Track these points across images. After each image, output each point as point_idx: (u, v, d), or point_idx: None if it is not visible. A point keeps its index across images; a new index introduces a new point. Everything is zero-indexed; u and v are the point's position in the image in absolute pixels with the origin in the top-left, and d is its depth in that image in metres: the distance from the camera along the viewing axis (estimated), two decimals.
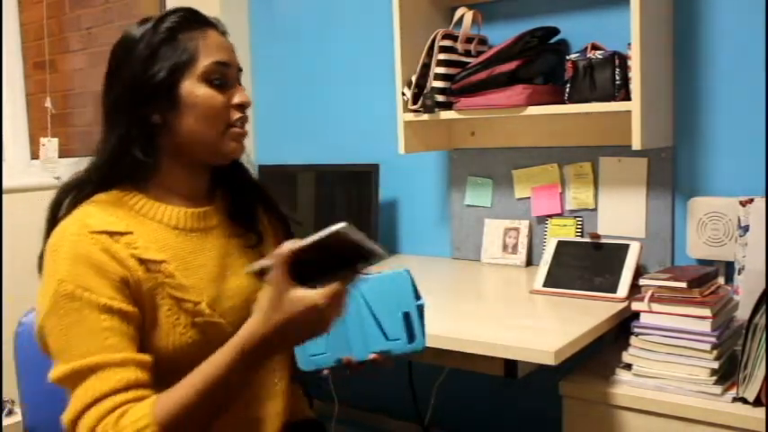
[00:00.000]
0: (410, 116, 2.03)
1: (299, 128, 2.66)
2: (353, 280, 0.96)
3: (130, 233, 1.11)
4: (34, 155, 2.33)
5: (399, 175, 2.39)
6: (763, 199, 1.68)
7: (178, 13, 1.18)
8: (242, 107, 1.18)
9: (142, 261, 1.09)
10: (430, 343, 1.44)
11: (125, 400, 0.98)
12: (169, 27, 1.15)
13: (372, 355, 1.10)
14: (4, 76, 2.24)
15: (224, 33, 1.22)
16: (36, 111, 2.42)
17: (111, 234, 1.09)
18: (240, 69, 1.22)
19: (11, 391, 1.99)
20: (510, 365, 1.44)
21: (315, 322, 0.95)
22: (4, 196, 2.13)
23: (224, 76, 1.17)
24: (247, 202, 1.29)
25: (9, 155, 2.26)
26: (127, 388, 1.00)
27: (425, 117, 1.99)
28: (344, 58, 2.51)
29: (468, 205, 2.26)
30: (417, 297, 1.11)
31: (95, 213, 1.11)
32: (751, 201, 1.69)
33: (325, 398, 2.43)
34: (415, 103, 2.00)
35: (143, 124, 1.14)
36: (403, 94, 2.03)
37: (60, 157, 2.43)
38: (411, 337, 1.09)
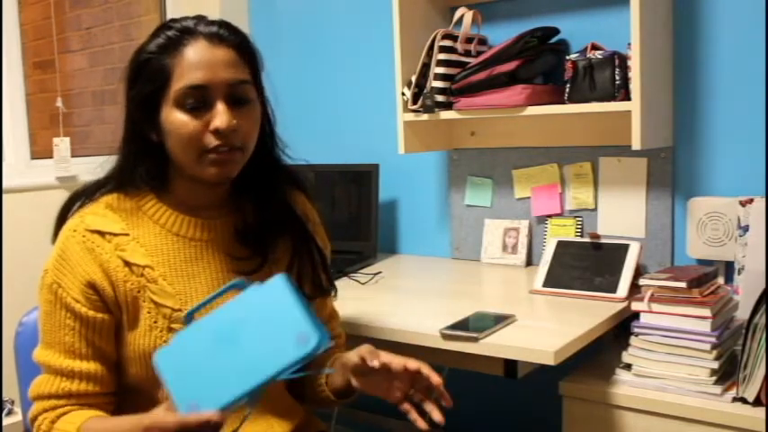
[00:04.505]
0: (410, 116, 2.03)
1: (298, 128, 2.66)
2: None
3: (125, 235, 1.15)
4: (34, 155, 2.33)
5: (399, 175, 2.39)
6: (763, 199, 1.68)
7: (177, 25, 1.12)
8: (219, 132, 1.09)
9: (127, 263, 1.14)
10: (430, 343, 1.46)
11: (60, 405, 1.12)
12: (159, 44, 1.11)
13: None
14: (5, 76, 2.24)
15: (222, 42, 1.11)
16: (36, 111, 2.42)
17: (104, 234, 1.14)
18: (242, 82, 1.12)
19: (11, 391, 1.99)
20: (510, 365, 1.44)
21: None
22: (4, 196, 2.12)
23: (200, 100, 1.09)
24: (266, 224, 1.23)
25: (9, 155, 2.26)
26: (69, 396, 1.12)
27: (425, 117, 1.99)
28: (344, 58, 2.51)
29: (469, 205, 2.26)
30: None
31: (98, 212, 1.16)
32: (751, 201, 1.69)
33: None
34: (414, 103, 2.00)
35: (145, 141, 1.16)
36: (403, 94, 2.03)
37: None
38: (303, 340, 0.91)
